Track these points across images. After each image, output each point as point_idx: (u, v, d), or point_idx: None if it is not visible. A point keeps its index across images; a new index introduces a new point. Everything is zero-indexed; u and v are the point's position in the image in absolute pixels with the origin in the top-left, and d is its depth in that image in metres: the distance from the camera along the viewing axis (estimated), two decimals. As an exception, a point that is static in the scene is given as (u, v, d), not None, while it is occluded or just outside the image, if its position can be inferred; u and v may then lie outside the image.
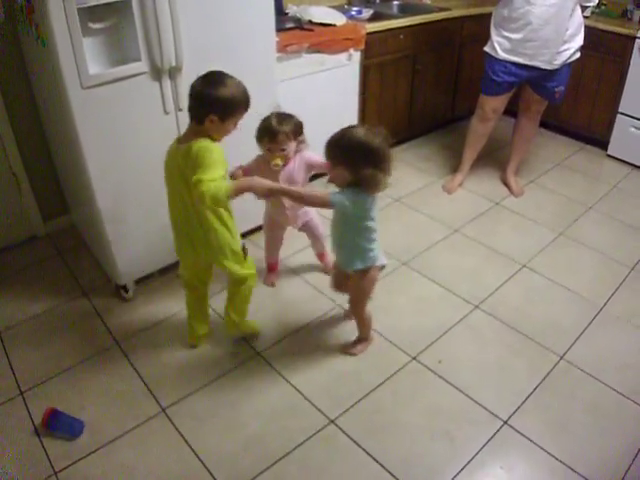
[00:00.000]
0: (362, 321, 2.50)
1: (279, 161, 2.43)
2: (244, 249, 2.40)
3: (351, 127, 2.03)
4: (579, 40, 3.36)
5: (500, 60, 3.40)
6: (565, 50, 3.31)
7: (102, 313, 2.78)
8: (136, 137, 2.53)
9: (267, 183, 2.05)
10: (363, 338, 2.57)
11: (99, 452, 2.12)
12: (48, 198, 3.32)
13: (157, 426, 2.22)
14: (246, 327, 2.61)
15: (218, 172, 1.97)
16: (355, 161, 1.98)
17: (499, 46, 3.38)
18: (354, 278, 2.32)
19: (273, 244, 2.96)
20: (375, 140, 1.98)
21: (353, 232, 2.20)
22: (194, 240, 2.27)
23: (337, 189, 2.09)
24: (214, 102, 1.99)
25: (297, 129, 2.44)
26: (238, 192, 2.01)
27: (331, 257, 2.86)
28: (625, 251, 3.33)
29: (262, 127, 2.41)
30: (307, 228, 2.85)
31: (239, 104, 2.05)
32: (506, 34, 3.33)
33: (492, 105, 3.60)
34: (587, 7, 3.34)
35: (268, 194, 2.09)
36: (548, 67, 3.34)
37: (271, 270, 3.03)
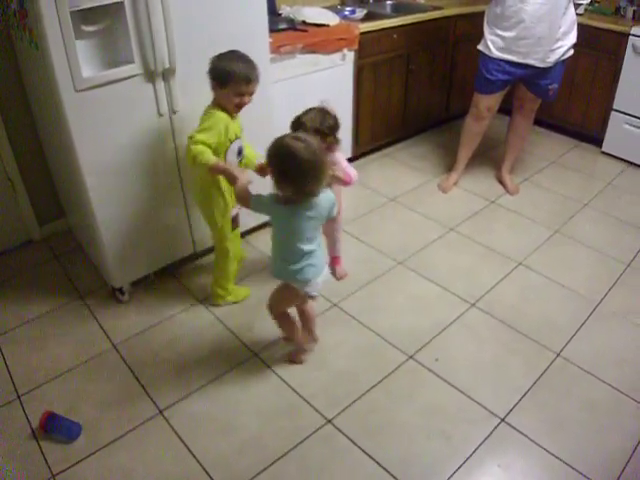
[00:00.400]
0: (279, 323, 2.47)
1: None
2: (234, 219, 2.45)
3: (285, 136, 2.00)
4: (572, 38, 3.36)
5: (494, 58, 3.40)
6: (558, 48, 3.32)
7: (98, 316, 2.78)
8: (130, 139, 2.52)
9: (235, 173, 2.23)
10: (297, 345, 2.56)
11: (97, 455, 2.12)
12: (44, 202, 3.32)
13: (154, 428, 2.22)
14: (233, 298, 2.84)
15: (211, 137, 2.30)
16: (275, 164, 1.97)
17: (492, 44, 3.39)
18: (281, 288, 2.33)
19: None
20: (289, 146, 1.94)
21: (274, 238, 2.20)
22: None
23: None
24: (214, 70, 2.30)
25: (324, 128, 2.38)
26: (214, 169, 2.31)
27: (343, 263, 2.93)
28: (621, 248, 3.33)
29: (298, 123, 2.39)
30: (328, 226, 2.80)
31: (233, 75, 2.27)
32: (499, 32, 3.33)
33: (486, 103, 3.60)
34: (580, 4, 3.34)
35: (232, 183, 2.25)
36: (542, 65, 3.35)
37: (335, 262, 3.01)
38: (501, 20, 3.30)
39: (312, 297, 2.31)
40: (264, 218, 2.97)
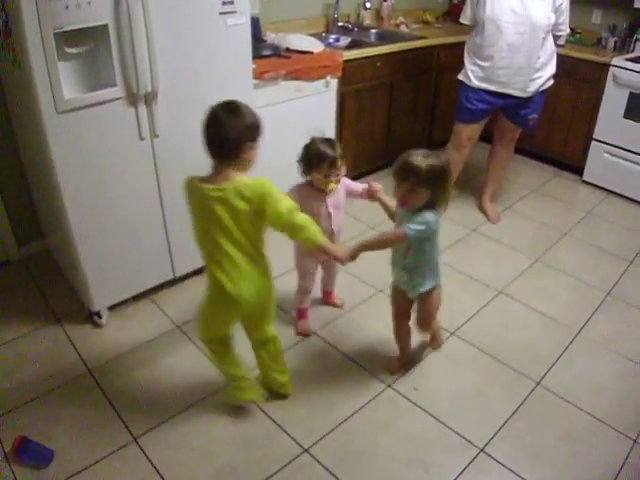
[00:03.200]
0: (434, 332, 2.66)
1: (334, 185, 2.43)
2: None
3: (416, 153, 2.11)
4: (551, 68, 3.42)
5: (474, 88, 3.45)
6: (538, 78, 3.37)
7: (74, 340, 2.73)
8: (111, 163, 2.51)
9: (347, 249, 2.13)
10: (435, 343, 2.73)
11: (69, 482, 2.08)
12: (23, 223, 3.29)
13: (128, 455, 2.18)
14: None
15: (290, 201, 1.95)
16: (435, 183, 2.07)
17: (472, 74, 3.43)
18: (424, 299, 2.41)
19: (308, 289, 2.82)
20: (443, 162, 2.11)
21: (432, 250, 2.29)
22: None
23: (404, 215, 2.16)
24: (248, 129, 1.93)
25: (342, 151, 2.42)
26: (324, 251, 2.07)
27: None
28: (601, 276, 3.35)
29: (316, 154, 2.34)
30: (330, 264, 2.81)
31: (262, 126, 2.00)
32: (479, 62, 3.38)
33: (467, 133, 3.64)
34: (559, 36, 3.40)
35: (353, 257, 2.15)
36: (521, 95, 3.40)
37: (301, 317, 2.86)
38: (481, 50, 3.35)
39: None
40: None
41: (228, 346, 2.26)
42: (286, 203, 1.92)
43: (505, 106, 3.51)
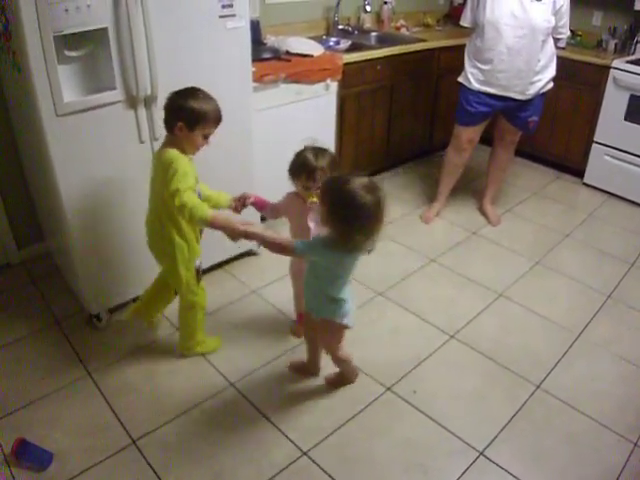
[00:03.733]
0: (339, 363, 2.45)
1: (314, 199, 2.27)
2: (198, 270, 2.40)
3: (349, 177, 1.89)
4: (551, 71, 3.43)
5: (474, 91, 3.45)
6: (538, 81, 3.37)
7: (74, 342, 2.73)
8: (111, 165, 2.52)
9: (242, 228, 2.07)
10: (345, 379, 2.54)
11: (67, 484, 2.07)
12: (23, 225, 3.29)
13: (127, 458, 2.18)
14: (202, 349, 2.68)
15: (190, 180, 2.11)
16: (335, 213, 1.88)
17: (472, 77, 3.43)
18: (321, 326, 2.27)
19: (301, 294, 2.78)
20: (365, 197, 1.84)
21: (328, 284, 2.11)
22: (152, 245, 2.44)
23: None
24: (182, 110, 2.11)
25: (333, 164, 2.28)
26: (214, 225, 2.10)
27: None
28: (602, 279, 3.35)
29: (297, 163, 2.27)
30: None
31: (206, 116, 2.13)
32: (479, 65, 3.38)
33: (467, 135, 3.64)
34: (559, 39, 3.40)
35: (244, 237, 2.10)
36: (521, 97, 3.40)
37: (301, 321, 2.80)
38: (481, 53, 3.35)
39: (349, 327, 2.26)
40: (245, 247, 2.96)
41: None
42: (178, 184, 2.07)
43: (505, 109, 3.51)
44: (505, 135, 3.74)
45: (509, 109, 3.51)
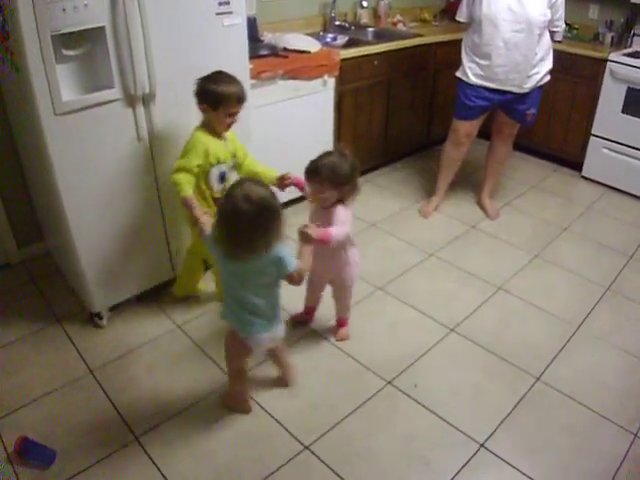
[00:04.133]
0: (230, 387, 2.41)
1: (316, 202, 2.35)
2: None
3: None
4: (548, 64, 3.44)
5: (472, 85, 3.45)
6: (535, 74, 3.38)
7: (75, 341, 2.74)
8: (109, 164, 2.52)
9: (199, 218, 2.25)
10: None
11: (71, 482, 2.09)
12: (23, 225, 3.29)
13: (130, 454, 2.19)
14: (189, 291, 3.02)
15: (192, 160, 2.40)
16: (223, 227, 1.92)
17: (470, 71, 3.44)
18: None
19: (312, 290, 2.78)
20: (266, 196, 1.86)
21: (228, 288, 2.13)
22: None
23: None
24: (205, 93, 2.38)
25: (337, 177, 2.24)
26: (184, 205, 2.36)
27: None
28: (600, 271, 3.36)
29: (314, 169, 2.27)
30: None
31: (225, 97, 2.37)
32: (477, 60, 3.39)
33: (465, 129, 3.64)
34: (555, 32, 3.41)
35: (195, 224, 2.29)
36: (519, 91, 3.41)
37: (307, 313, 2.86)
38: (478, 48, 3.36)
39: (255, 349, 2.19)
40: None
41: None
42: (179, 162, 2.42)
43: (503, 102, 3.51)
44: (503, 128, 3.75)
45: (507, 102, 3.51)
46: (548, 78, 3.50)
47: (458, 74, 3.55)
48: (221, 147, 2.49)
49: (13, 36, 2.20)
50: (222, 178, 2.55)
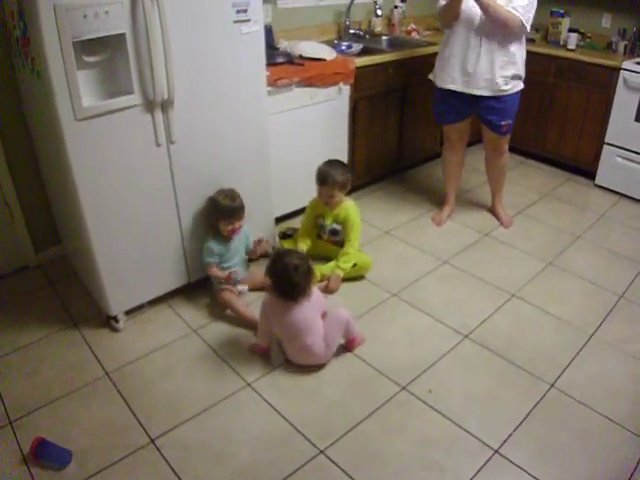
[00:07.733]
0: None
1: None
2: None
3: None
4: (515, 69, 3.34)
5: (441, 88, 3.50)
6: (500, 77, 3.30)
7: (92, 344, 2.77)
8: (128, 168, 2.55)
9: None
10: None
11: (87, 483, 2.11)
12: (40, 228, 3.34)
13: (146, 457, 2.21)
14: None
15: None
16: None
17: (438, 73, 3.49)
18: None
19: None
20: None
21: None
22: None
23: None
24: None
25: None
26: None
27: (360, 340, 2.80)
28: (614, 279, 3.35)
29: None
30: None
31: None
32: (442, 61, 3.44)
33: (454, 132, 3.68)
34: (533, 39, 3.35)
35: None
36: (485, 94, 3.37)
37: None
38: (443, 49, 3.42)
39: None
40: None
41: None
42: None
43: (478, 111, 3.50)
44: (488, 143, 3.74)
45: (482, 112, 3.49)
46: (521, 87, 3.47)
47: (430, 77, 3.63)
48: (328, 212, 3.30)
49: (34, 42, 2.24)
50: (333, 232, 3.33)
